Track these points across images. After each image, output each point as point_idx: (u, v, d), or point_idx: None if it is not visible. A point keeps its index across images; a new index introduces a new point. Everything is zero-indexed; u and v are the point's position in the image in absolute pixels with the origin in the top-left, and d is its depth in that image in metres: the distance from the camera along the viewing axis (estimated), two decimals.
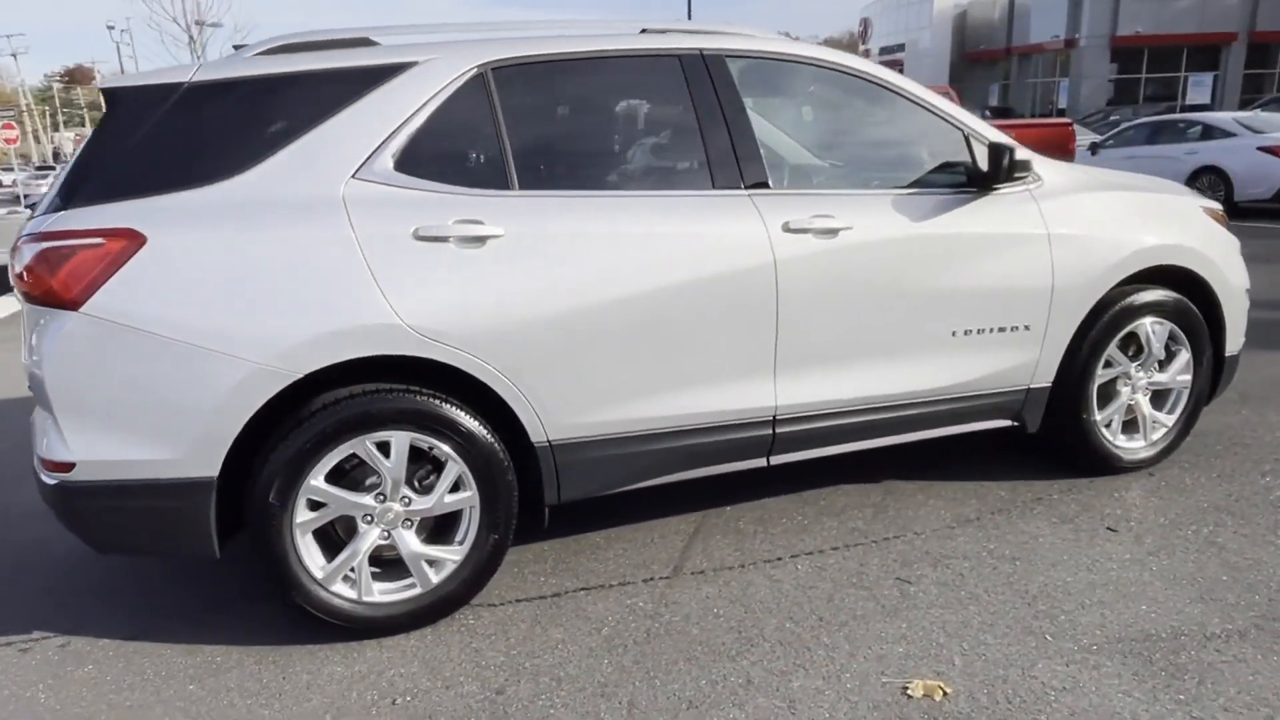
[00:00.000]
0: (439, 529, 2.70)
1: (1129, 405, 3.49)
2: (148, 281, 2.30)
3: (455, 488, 2.61)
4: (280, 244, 2.39)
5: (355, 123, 2.52)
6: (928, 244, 3.02)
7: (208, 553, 2.45)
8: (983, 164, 3.09)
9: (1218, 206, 3.69)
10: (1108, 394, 3.47)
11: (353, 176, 2.48)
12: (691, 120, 2.84)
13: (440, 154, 2.58)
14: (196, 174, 2.39)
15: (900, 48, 41.81)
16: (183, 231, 2.34)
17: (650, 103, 2.96)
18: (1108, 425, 3.46)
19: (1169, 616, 2.53)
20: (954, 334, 3.12)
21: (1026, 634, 2.49)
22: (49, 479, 2.37)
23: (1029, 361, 3.25)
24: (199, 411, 2.33)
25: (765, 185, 2.86)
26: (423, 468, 2.60)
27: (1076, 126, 14.53)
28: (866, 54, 46.51)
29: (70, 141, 75.16)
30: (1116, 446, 3.48)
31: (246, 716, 2.29)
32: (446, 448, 2.55)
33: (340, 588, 2.56)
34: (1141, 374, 3.48)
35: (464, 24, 3.03)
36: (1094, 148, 13.70)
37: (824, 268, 2.88)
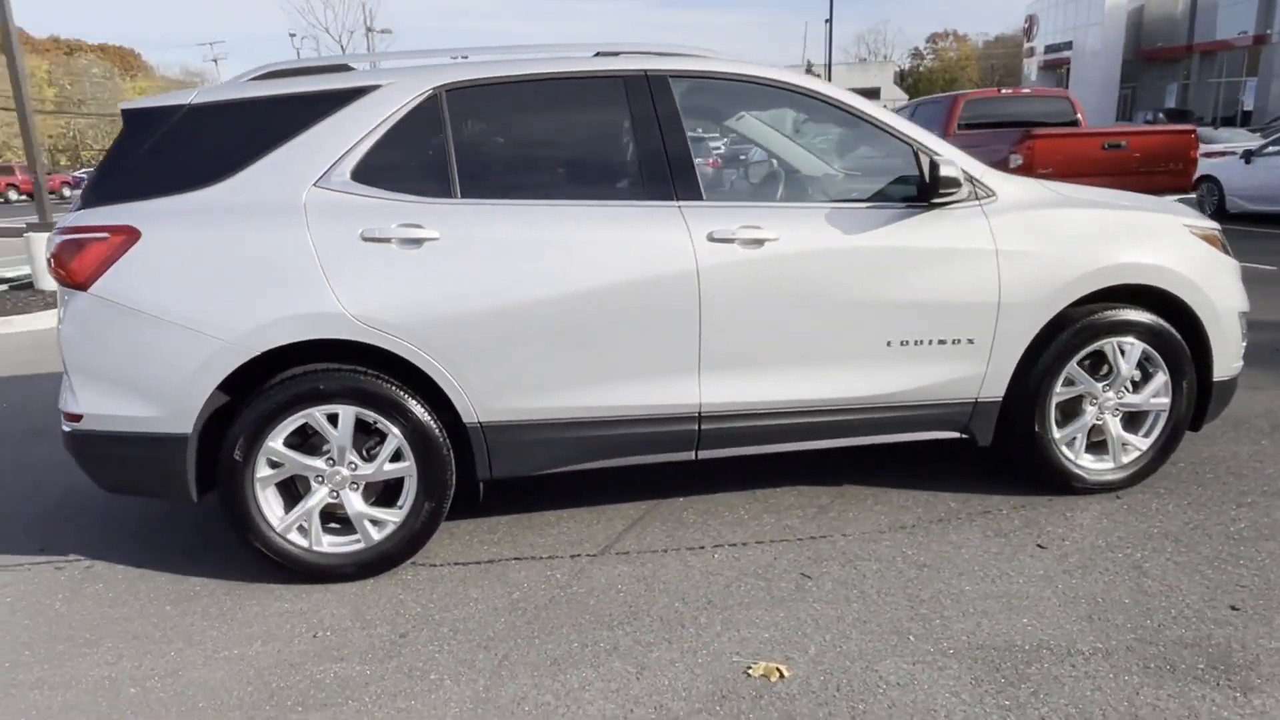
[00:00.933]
0: (386, 494, 3.08)
1: (1096, 425, 3.44)
2: (141, 269, 2.80)
3: (397, 458, 2.98)
4: (248, 241, 2.83)
5: (321, 138, 2.93)
6: (859, 256, 3.13)
7: (186, 498, 2.93)
8: (927, 179, 3.16)
9: (1212, 226, 3.56)
10: (1072, 412, 3.44)
11: (314, 185, 2.90)
12: (629, 136, 3.09)
13: (392, 165, 2.96)
14: (187, 181, 2.88)
15: (1067, 45, 39.53)
16: (169, 229, 2.82)
17: (592, 120, 3.21)
18: (1070, 443, 3.42)
19: (1044, 631, 2.57)
20: (889, 344, 3.20)
21: (892, 633, 2.59)
22: (65, 427, 2.92)
23: (974, 375, 3.29)
24: (178, 379, 2.81)
25: (698, 197, 3.07)
26: (372, 439, 2.99)
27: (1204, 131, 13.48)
28: (1031, 52, 44.17)
29: None
30: (1078, 466, 3.44)
31: (198, 633, 2.75)
32: (387, 422, 2.93)
33: (295, 537, 2.98)
34: (1111, 394, 3.42)
35: (452, 49, 3.40)
36: (1248, 155, 12.66)
37: (748, 276, 3.05)
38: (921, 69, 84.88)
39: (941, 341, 3.24)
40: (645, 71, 3.13)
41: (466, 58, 3.26)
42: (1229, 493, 3.47)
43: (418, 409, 2.94)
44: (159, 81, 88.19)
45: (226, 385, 2.86)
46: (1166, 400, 3.46)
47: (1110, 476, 3.47)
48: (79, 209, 2.89)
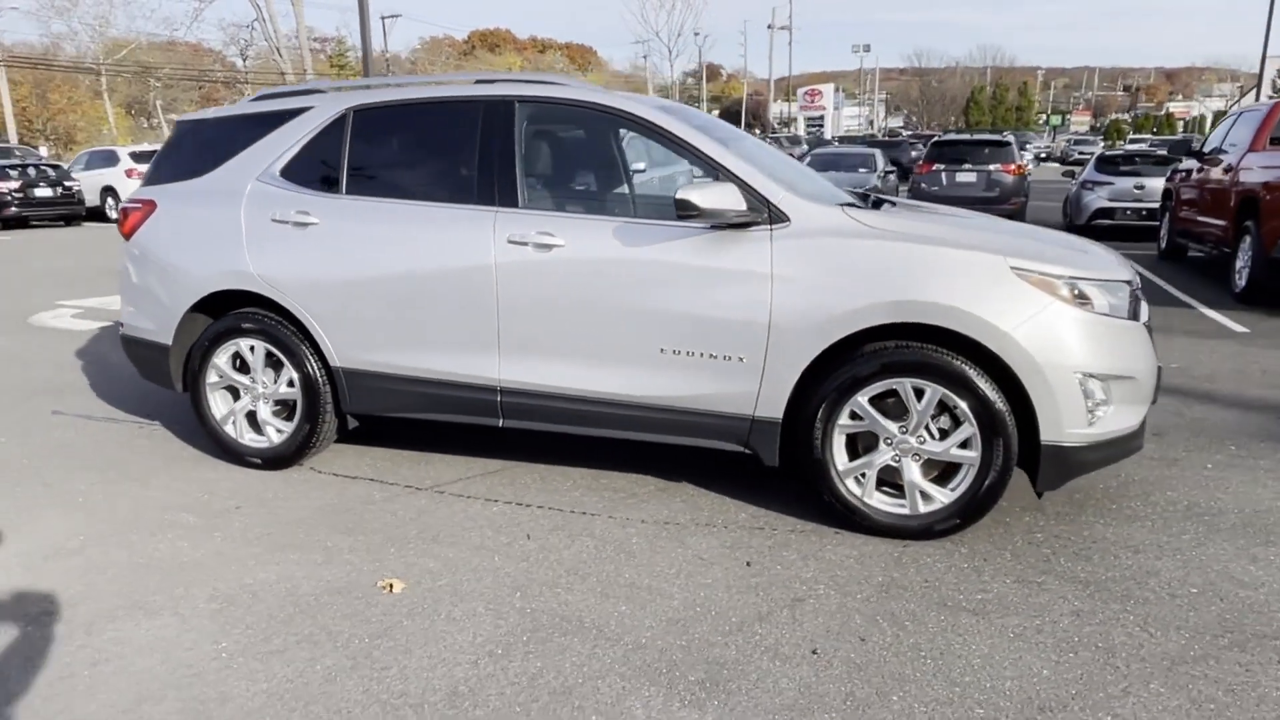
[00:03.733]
0: (289, 413, 4.12)
1: (894, 467, 3.34)
2: (153, 230, 4.15)
3: (291, 385, 4.01)
4: (210, 216, 4.04)
5: (269, 144, 4.03)
6: (636, 267, 3.45)
7: (173, 389, 4.26)
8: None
9: (1062, 272, 3.18)
10: (871, 447, 3.38)
11: (255, 179, 4.01)
12: (476, 149, 3.74)
13: (307, 167, 3.96)
14: (190, 171, 4.16)
15: None
16: (173, 203, 4.13)
17: (455, 136, 3.85)
18: (857, 478, 3.37)
19: (602, 619, 2.82)
20: (662, 351, 3.47)
21: (504, 586, 3.02)
22: (120, 332, 4.41)
23: (746, 392, 3.41)
24: (165, 305, 4.13)
25: (514, 205, 3.64)
26: (282, 369, 4.05)
27: None
28: None
29: None
30: (863, 503, 3.37)
31: (152, 474, 4.06)
32: (283, 358, 3.97)
33: (230, 430, 4.17)
34: (910, 438, 3.30)
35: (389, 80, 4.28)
36: None
37: (536, 275, 3.56)
38: None
39: (712, 356, 3.42)
40: (501, 96, 3.75)
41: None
42: (985, 567, 3.16)
43: (303, 350, 3.94)
44: (605, 76, 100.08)
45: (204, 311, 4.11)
46: (975, 455, 3.23)
47: (901, 523, 3.34)
48: (139, 188, 4.33)
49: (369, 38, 11.36)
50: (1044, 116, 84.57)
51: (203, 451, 4.37)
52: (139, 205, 4.22)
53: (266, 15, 40.89)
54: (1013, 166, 13.96)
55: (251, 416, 4.15)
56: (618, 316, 3.50)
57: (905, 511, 3.35)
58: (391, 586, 3.03)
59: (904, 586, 3.02)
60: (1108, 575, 3.08)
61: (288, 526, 3.54)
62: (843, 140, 41.54)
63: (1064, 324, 3.13)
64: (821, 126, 47.35)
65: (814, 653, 2.62)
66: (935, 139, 16.96)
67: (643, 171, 3.99)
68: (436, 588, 3.03)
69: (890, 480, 3.39)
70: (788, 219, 3.35)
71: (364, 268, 3.78)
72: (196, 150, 4.22)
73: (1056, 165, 38.62)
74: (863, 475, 3.37)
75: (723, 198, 3.28)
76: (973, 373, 3.16)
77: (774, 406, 3.40)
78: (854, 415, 3.33)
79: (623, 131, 3.81)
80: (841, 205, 3.45)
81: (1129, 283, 3.37)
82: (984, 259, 3.18)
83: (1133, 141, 43.62)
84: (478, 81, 3.92)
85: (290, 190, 3.95)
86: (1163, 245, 11.68)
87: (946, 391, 3.20)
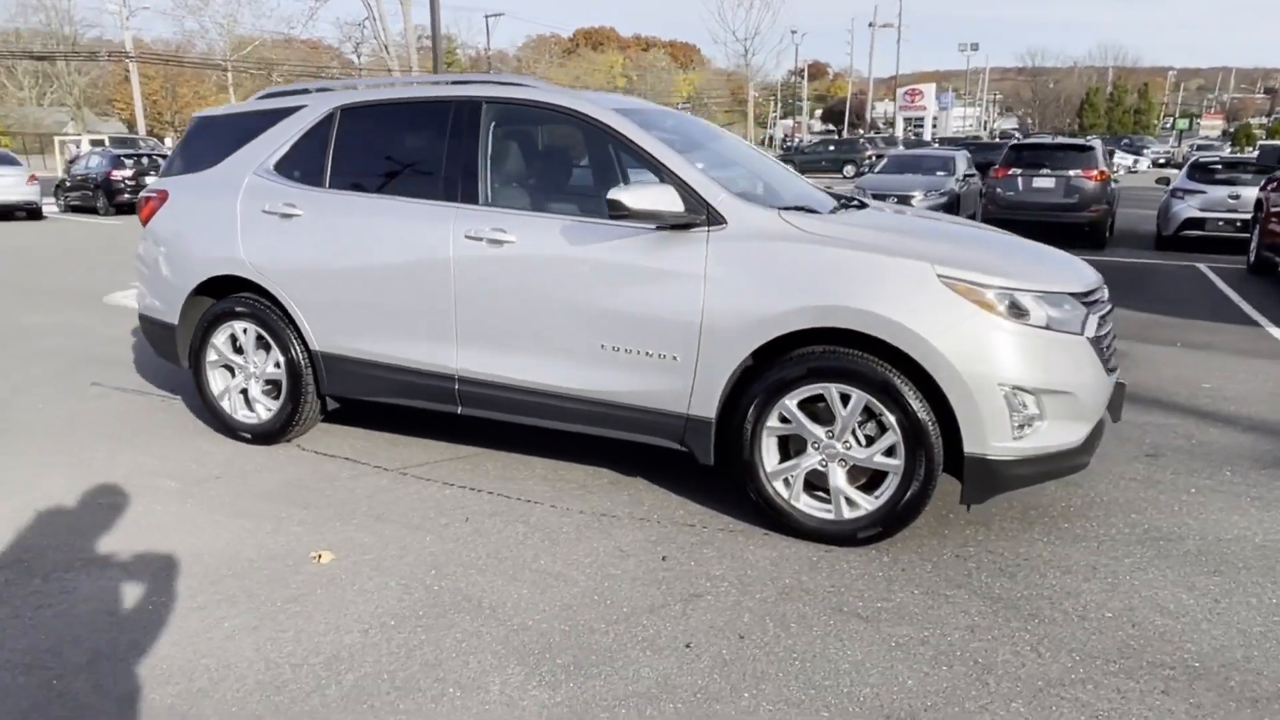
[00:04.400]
0: (278, 392, 4.39)
1: (821, 472, 3.35)
2: (165, 217, 4.49)
3: (277, 366, 4.28)
4: (212, 206, 4.34)
5: (267, 140, 4.31)
6: (579, 264, 3.55)
7: (179, 365, 4.60)
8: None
9: (990, 282, 3.11)
10: (800, 450, 3.39)
11: (253, 172, 4.29)
12: (444, 147, 3.91)
13: (295, 161, 4.22)
14: (199, 164, 4.49)
15: None
16: (182, 193, 4.46)
17: (428, 134, 4.02)
18: (786, 481, 3.39)
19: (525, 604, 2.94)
20: (603, 347, 3.57)
21: (424, 564, 3.18)
22: (139, 312, 4.78)
23: (680, 390, 3.47)
24: (172, 287, 4.47)
25: (474, 201, 3.79)
26: (270, 350, 4.32)
27: None
28: None
29: (782, 129, 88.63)
30: (790, 505, 3.38)
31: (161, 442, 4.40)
32: (271, 340, 4.25)
33: (225, 404, 4.48)
34: (836, 443, 3.30)
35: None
36: None
37: (489, 270, 3.70)
38: None
39: (648, 354, 3.49)
40: (470, 97, 3.91)
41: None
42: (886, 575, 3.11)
43: (288, 335, 4.20)
44: (707, 74, 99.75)
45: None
46: (899, 463, 3.21)
47: (826, 528, 3.34)
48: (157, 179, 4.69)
49: (439, 36, 11.78)
50: (1170, 120, 79.89)
51: (207, 426, 4.70)
52: (155, 195, 4.58)
53: (376, 14, 42.61)
54: (1095, 172, 13.33)
55: (245, 394, 4.45)
56: (563, 311, 3.61)
57: (830, 517, 3.35)
58: (321, 557, 3.23)
59: (808, 590, 3.03)
60: (1024, 593, 3.02)
61: (253, 497, 3.79)
62: (943, 142, 40.39)
63: (990, 334, 3.07)
64: (921, 127, 46.04)
65: (687, 646, 2.68)
66: (1013, 142, 16.34)
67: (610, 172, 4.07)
68: (361, 561, 3.21)
69: (821, 485, 3.39)
70: (725, 222, 3.39)
71: (340, 258, 4.01)
72: (207, 144, 4.54)
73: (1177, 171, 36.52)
74: (791, 478, 3.38)
75: (657, 199, 3.34)
76: (897, 380, 3.14)
77: (707, 406, 3.45)
78: (783, 418, 3.35)
79: (580, 132, 3.91)
80: (781, 209, 3.46)
81: (1077, 295, 3.28)
82: (908, 265, 3.15)
83: (1262, 148, 40.89)
84: (454, 83, 4.09)
85: (281, 183, 4.21)
86: (1251, 259, 11.00)
87: (871, 398, 3.19)
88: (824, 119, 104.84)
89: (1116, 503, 3.81)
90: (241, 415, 4.45)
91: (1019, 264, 3.33)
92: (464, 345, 3.84)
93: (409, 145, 4.11)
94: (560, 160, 4.04)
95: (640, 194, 3.33)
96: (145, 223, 4.61)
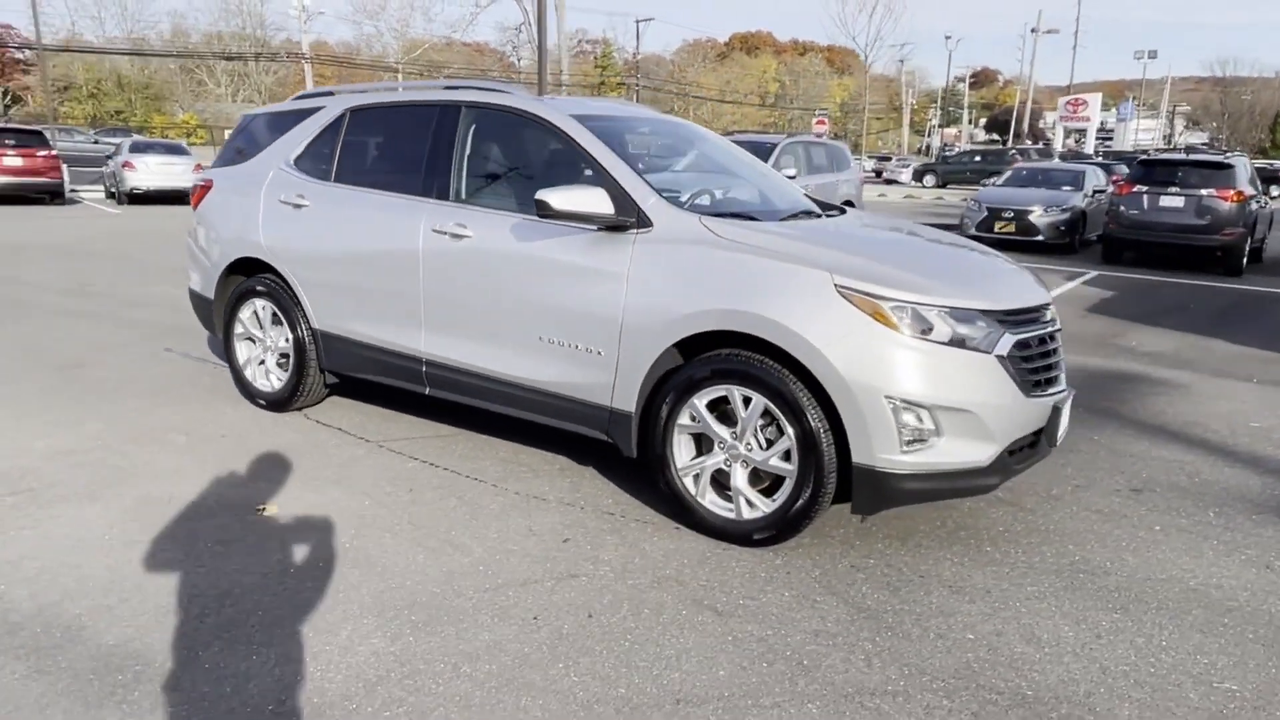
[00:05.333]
0: (288, 364, 4.86)
1: (726, 471, 3.44)
2: (209, 204, 5.06)
3: (287, 340, 4.76)
4: (242, 195, 4.86)
5: (292, 137, 4.78)
6: (524, 260, 3.78)
7: (215, 334, 5.17)
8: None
9: (884, 294, 3.10)
10: (710, 448, 3.49)
11: (277, 167, 4.77)
12: (427, 147, 4.24)
13: (310, 157, 4.66)
14: (239, 158, 5.02)
15: None
16: (221, 183, 5.02)
17: (417, 134, 4.34)
18: (695, 477, 3.50)
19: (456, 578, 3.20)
20: (540, 339, 3.78)
21: (349, 524, 3.49)
22: (188, 287, 5.39)
23: (605, 383, 3.64)
24: (210, 265, 5.03)
25: (445, 198, 4.10)
26: (282, 326, 4.80)
27: None
28: None
29: (942, 138, 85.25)
30: (697, 501, 3.48)
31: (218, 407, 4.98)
32: (284, 316, 4.72)
33: (248, 373, 5.00)
34: (739, 444, 3.38)
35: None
36: None
37: (449, 261, 4.00)
38: None
39: (577, 347, 3.68)
40: (452, 101, 4.22)
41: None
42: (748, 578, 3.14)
43: (296, 313, 4.66)
44: (864, 79, 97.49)
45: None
46: (793, 468, 3.26)
47: (727, 526, 3.43)
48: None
49: (544, 40, 12.32)
50: None
51: (236, 393, 5.25)
52: (203, 183, 5.16)
53: (532, 19, 44.46)
54: (1231, 193, 12.29)
55: (263, 364, 4.95)
56: (509, 303, 3.85)
57: (732, 516, 3.43)
58: (265, 509, 3.62)
59: (681, 582, 3.14)
60: (897, 608, 3.01)
61: (243, 455, 4.25)
62: (1108, 156, 37.84)
63: (881, 346, 3.07)
64: (1084, 139, 43.25)
65: (534, 618, 2.86)
66: (1142, 157, 15.23)
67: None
68: (299, 517, 3.57)
69: (729, 484, 3.47)
70: (651, 225, 3.54)
71: (335, 245, 4.42)
72: (248, 140, 5.08)
73: None
74: (699, 475, 3.49)
75: (584, 201, 3.52)
76: (793, 386, 3.19)
77: (628, 400, 3.60)
78: (693, 417, 3.46)
79: (544, 135, 4.12)
80: (705, 215, 3.57)
81: (994, 312, 3.22)
82: (806, 274, 3.20)
83: None
84: (446, 88, 4.41)
85: (297, 177, 4.67)
86: None
87: (770, 403, 3.26)
88: (987, 128, 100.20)
89: (1060, 532, 3.68)
90: (260, 384, 4.95)
91: (937, 279, 3.29)
92: (429, 331, 4.15)
93: (400, 144, 4.46)
94: (525, 162, 4.27)
95: (567, 195, 3.52)
96: (195, 208, 5.20)
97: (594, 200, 3.53)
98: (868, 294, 3.12)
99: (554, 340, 3.75)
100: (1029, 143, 47.62)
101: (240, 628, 2.75)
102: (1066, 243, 14.52)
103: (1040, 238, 14.48)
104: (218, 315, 5.10)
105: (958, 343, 3.13)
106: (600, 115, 4.15)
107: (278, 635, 2.72)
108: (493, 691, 2.48)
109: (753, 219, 3.74)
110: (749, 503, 3.39)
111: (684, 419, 3.48)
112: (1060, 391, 3.53)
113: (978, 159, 36.05)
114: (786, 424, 3.23)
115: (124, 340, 6.52)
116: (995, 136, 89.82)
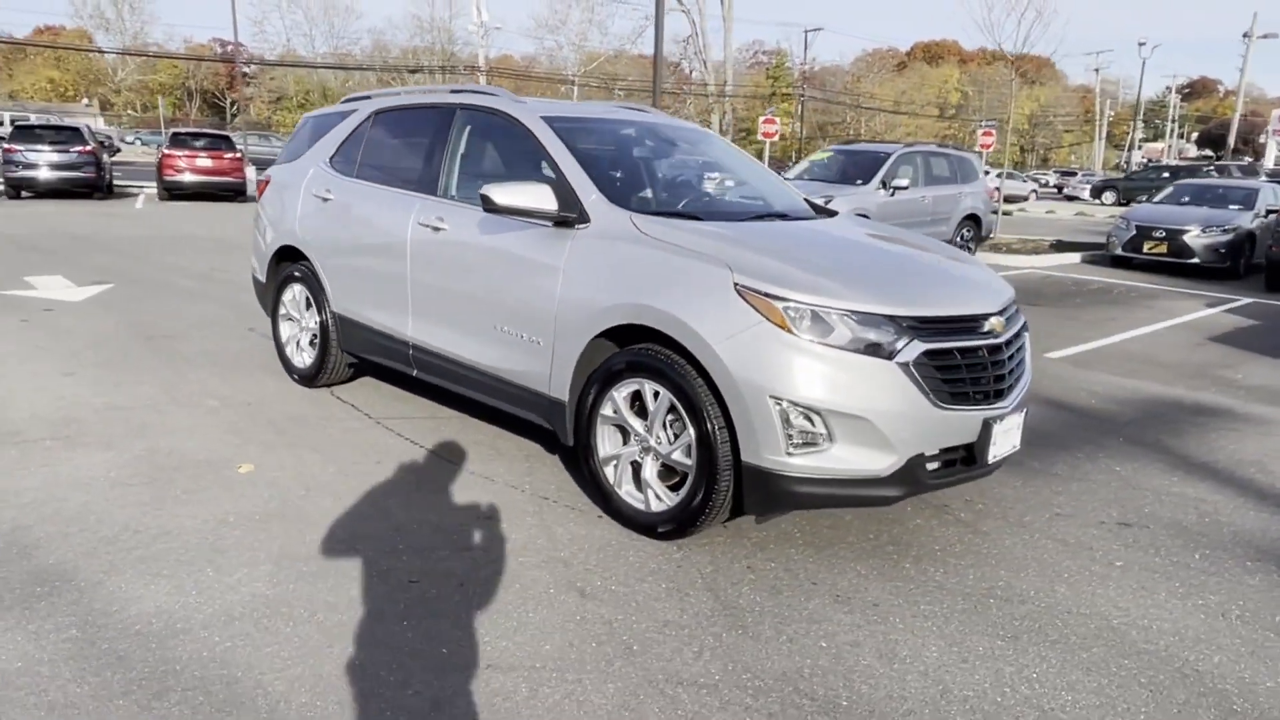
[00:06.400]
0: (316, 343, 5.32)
1: (639, 463, 3.51)
2: (267, 197, 5.62)
3: (315, 323, 5.22)
4: (288, 190, 5.38)
5: (330, 137, 5.25)
6: (486, 252, 4.00)
7: (267, 313, 5.73)
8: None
9: (784, 295, 3.05)
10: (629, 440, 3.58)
11: (318, 164, 5.25)
12: (425, 145, 4.56)
13: (342, 156, 5.10)
14: (294, 155, 5.56)
15: None
16: (278, 178, 5.57)
17: (421, 133, 4.63)
18: (614, 466, 3.59)
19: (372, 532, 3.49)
20: (496, 327, 3.99)
21: (307, 485, 3.83)
22: (252, 274, 6.00)
23: (543, 372, 3.79)
24: (264, 253, 5.59)
25: (433, 194, 4.40)
26: (312, 309, 5.26)
27: None
28: None
29: (1146, 153, 78.64)
30: (614, 491, 3.57)
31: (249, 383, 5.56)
32: (315, 301, 5.19)
33: (293, 355, 5.52)
34: (650, 437, 3.45)
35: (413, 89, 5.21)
36: None
37: (429, 251, 4.29)
38: None
39: (522, 336, 3.86)
40: (448, 103, 4.52)
41: None
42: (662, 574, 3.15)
43: (322, 297, 5.11)
44: (1057, 90, 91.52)
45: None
46: (692, 464, 3.29)
47: (638, 517, 3.49)
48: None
49: (660, 47, 12.54)
50: None
51: (281, 368, 5.79)
52: (265, 179, 5.74)
53: (699, 31, 44.99)
54: None
55: (298, 342, 5.44)
56: (471, 293, 4.08)
57: (642, 507, 3.49)
58: (243, 468, 4.03)
59: (567, 564, 3.24)
60: (763, 609, 2.98)
61: (257, 421, 4.72)
62: None
63: (771, 346, 3.05)
64: None
65: (412, 582, 3.06)
66: None
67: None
68: (269, 477, 3.95)
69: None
70: (589, 221, 3.66)
71: (349, 236, 4.82)
72: (303, 139, 5.60)
73: None
74: (617, 464, 3.57)
75: (526, 196, 3.68)
76: (694, 382, 3.23)
77: (562, 389, 3.74)
78: (615, 409, 3.55)
79: (521, 134, 4.30)
80: (636, 212, 3.64)
81: (902, 319, 3.11)
82: (707, 271, 3.22)
83: None
84: (452, 91, 4.72)
85: (329, 173, 5.12)
86: None
87: (674, 398, 3.30)
88: (1199, 143, 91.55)
89: (1000, 557, 3.48)
90: (295, 360, 5.45)
91: (849, 283, 3.21)
92: (415, 317, 4.45)
93: (408, 143, 4.80)
94: (500, 160, 4.48)
95: (510, 191, 3.70)
96: (258, 200, 5.79)
97: (536, 196, 3.69)
98: (766, 294, 3.11)
99: (507, 329, 3.94)
100: (1235, 159, 43.09)
101: (157, 562, 3.12)
102: (1227, 266, 13.16)
103: (1195, 260, 13.23)
104: (268, 296, 5.65)
105: (857, 347, 3.06)
106: (570, 117, 4.31)
107: (181, 570, 3.06)
108: (336, 639, 2.70)
109: (696, 218, 3.78)
110: (656, 495, 3.44)
111: (606, 410, 3.57)
112: (1000, 407, 3.35)
113: (1165, 175, 33.00)
114: (687, 419, 3.27)
115: (220, 319, 7.30)
116: (1208, 152, 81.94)
